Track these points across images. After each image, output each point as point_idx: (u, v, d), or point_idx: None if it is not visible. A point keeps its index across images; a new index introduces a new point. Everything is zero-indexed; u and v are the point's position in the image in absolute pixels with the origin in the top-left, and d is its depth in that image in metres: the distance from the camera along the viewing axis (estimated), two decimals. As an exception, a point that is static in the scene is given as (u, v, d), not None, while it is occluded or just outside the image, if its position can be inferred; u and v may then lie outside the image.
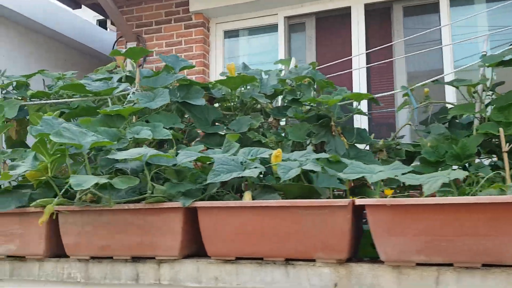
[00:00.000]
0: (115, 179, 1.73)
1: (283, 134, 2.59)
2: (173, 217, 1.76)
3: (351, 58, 4.00)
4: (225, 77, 2.66)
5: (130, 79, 2.98)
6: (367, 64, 4.00)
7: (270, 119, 2.68)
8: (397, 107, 2.77)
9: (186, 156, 1.89)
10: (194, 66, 2.75)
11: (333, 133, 2.50)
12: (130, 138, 2.10)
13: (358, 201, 1.52)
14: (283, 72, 3.06)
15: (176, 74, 2.74)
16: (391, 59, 3.86)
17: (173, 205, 1.75)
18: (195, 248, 1.86)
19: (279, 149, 1.84)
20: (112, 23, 5.25)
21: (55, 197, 1.95)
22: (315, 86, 2.67)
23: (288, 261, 1.63)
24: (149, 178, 1.83)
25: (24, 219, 1.96)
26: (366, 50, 4.03)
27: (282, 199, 1.74)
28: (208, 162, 1.98)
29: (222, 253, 1.71)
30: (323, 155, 1.84)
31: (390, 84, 4.02)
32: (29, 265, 2.01)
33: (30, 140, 3.07)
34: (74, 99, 3.07)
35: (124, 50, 2.84)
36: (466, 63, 3.97)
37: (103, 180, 1.67)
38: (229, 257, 1.70)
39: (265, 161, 1.95)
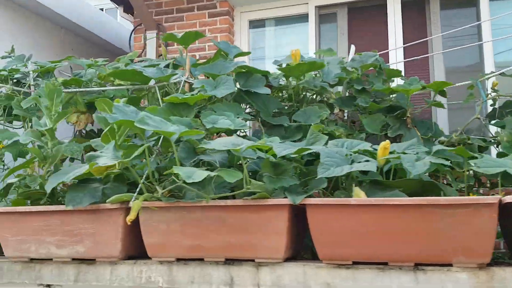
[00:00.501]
0: (220, 172, 1.53)
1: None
2: (277, 215, 1.57)
3: (387, 52, 3.86)
4: (284, 65, 2.48)
5: (176, 67, 2.77)
6: (404, 59, 3.86)
7: (336, 111, 2.51)
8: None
9: (283, 148, 1.70)
10: (250, 53, 2.56)
11: (408, 125, 2.35)
12: (208, 128, 1.91)
13: (508, 198, 1.37)
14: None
15: (232, 61, 2.55)
16: (431, 54, 3.74)
17: (279, 202, 1.56)
18: (293, 249, 1.68)
19: (387, 141, 1.67)
20: (125, 11, 4.99)
21: (128, 192, 1.74)
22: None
23: (417, 266, 1.46)
24: (246, 172, 1.63)
25: (97, 217, 1.74)
26: (403, 43, 3.90)
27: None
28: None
29: (336, 256, 1.53)
30: (439, 147, 1.67)
31: (426, 79, 3.89)
32: (99, 268, 1.79)
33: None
34: (108, 88, 2.85)
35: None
36: (505, 57, 3.88)
37: (212, 173, 1.47)
38: (345, 260, 1.52)
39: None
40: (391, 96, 2.50)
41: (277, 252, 1.58)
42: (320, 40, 4.22)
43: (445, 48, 3.75)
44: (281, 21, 4.37)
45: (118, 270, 1.77)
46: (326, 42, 4.22)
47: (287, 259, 1.64)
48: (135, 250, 1.78)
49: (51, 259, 1.83)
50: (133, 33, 4.54)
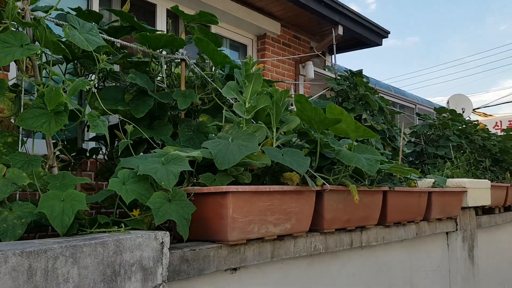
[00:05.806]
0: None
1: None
2: (377, 197, 2.48)
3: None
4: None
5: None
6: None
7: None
8: None
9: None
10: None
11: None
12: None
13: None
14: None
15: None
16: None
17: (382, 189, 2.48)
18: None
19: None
20: None
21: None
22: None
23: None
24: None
25: (300, 197, 1.98)
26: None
27: None
28: None
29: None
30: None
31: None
32: (286, 243, 1.98)
33: None
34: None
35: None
36: None
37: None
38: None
39: None
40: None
41: (375, 220, 2.48)
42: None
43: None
44: None
45: (298, 244, 2.05)
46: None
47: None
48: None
49: (261, 239, 1.84)
50: None
